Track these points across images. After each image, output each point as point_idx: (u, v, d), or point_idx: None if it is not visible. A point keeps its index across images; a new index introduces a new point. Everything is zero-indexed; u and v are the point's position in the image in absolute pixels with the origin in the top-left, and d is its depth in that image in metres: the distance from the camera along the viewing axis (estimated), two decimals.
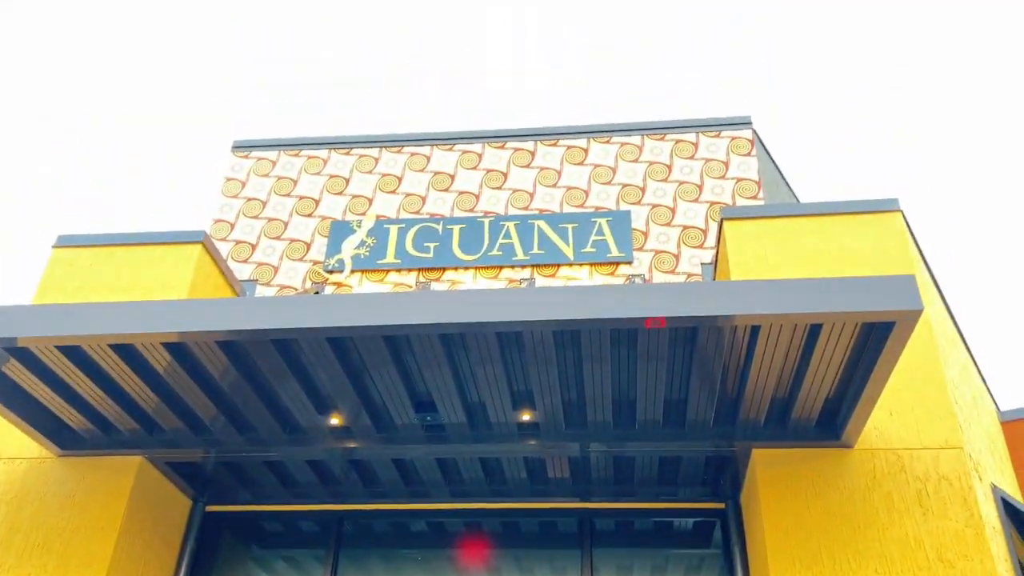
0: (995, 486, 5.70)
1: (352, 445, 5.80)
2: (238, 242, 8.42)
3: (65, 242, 6.93)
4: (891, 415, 5.43)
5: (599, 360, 4.95)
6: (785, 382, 5.04)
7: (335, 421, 5.65)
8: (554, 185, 8.49)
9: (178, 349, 5.01)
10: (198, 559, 6.51)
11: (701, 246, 7.81)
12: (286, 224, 8.52)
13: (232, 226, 8.56)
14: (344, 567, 6.62)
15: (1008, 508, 5.63)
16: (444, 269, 7.92)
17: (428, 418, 5.60)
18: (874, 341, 4.52)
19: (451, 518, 6.83)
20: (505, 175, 8.63)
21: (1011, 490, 6.62)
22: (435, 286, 7.82)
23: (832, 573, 5.03)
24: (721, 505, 6.28)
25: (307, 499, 6.68)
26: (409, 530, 6.89)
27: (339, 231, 8.26)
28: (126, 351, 5.01)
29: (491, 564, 6.73)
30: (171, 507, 6.32)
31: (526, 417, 5.60)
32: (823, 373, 4.83)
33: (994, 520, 5.36)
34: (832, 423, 5.34)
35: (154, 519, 6.06)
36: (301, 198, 8.73)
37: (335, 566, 6.53)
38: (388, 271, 7.98)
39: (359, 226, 8.26)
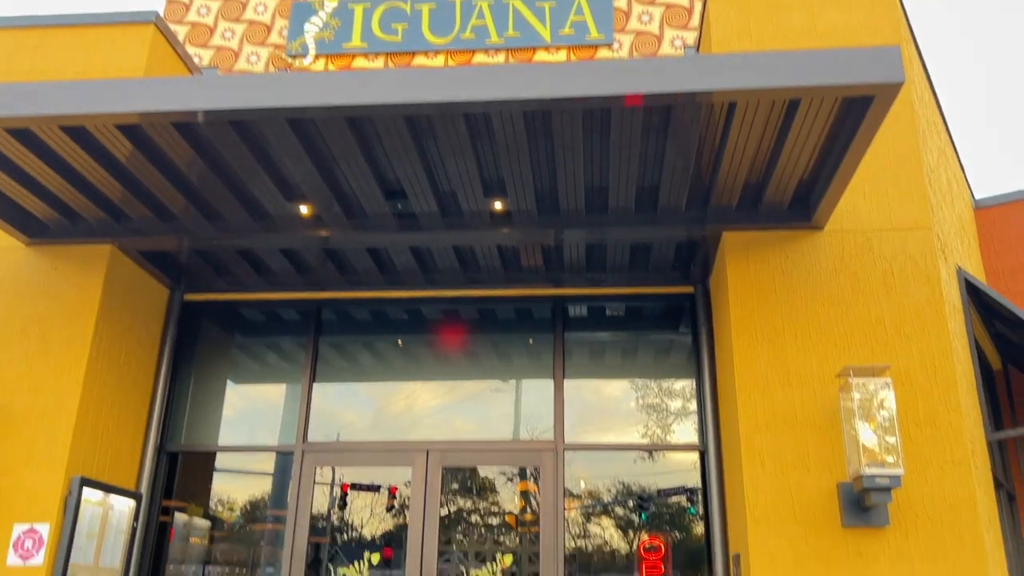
0: (960, 268, 5.81)
1: (324, 233, 5.76)
2: (195, 24, 7.93)
3: (8, 23, 6.48)
4: (864, 197, 5.41)
5: (571, 148, 4.82)
6: (760, 164, 4.95)
7: (305, 209, 5.58)
8: None
9: (135, 134, 4.82)
10: (181, 345, 6.68)
11: (685, 26, 7.42)
12: (244, 4, 7.99)
13: (187, 7, 8.02)
14: (324, 353, 6.83)
15: (970, 288, 5.76)
16: (413, 54, 7.54)
17: (399, 206, 5.53)
18: (853, 118, 4.39)
19: (428, 306, 6.96)
20: None
21: (977, 274, 6.77)
22: None
23: (794, 349, 5.22)
24: (690, 289, 6.40)
25: (285, 288, 6.76)
26: (387, 318, 7.04)
27: (300, 12, 7.77)
28: (81, 135, 4.81)
29: (467, 350, 6.96)
30: (148, 295, 6.39)
31: (498, 205, 5.54)
32: (798, 152, 4.73)
33: (955, 299, 5.50)
34: (804, 205, 5.32)
35: (132, 306, 6.14)
36: None
37: (315, 352, 6.73)
38: (354, 56, 7.60)
39: (322, 6, 7.76)
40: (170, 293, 6.68)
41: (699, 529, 6.13)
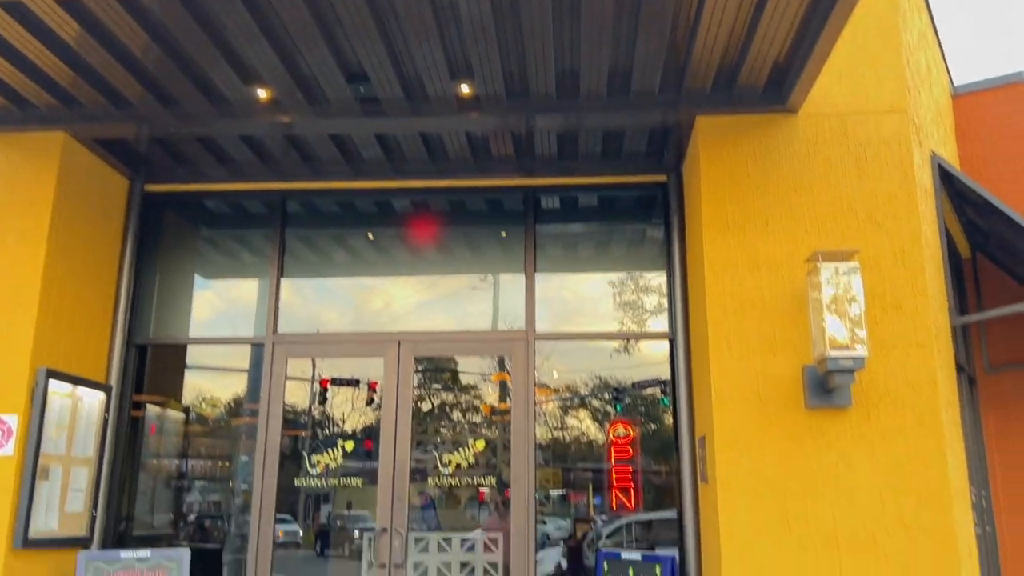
0: (934, 153, 5.74)
1: (285, 119, 5.57)
2: None
3: None
4: (840, 79, 5.27)
5: (541, 29, 4.62)
6: (735, 43, 4.78)
7: (263, 93, 5.36)
8: None
9: (80, 12, 4.53)
10: (144, 237, 6.53)
11: None
12: None
13: None
14: (292, 246, 6.72)
15: (943, 174, 5.71)
16: None
17: (361, 89, 5.32)
18: None
19: (397, 197, 6.83)
20: None
21: (952, 160, 6.71)
22: None
23: (765, 235, 5.18)
24: (663, 178, 6.30)
25: (249, 178, 6.57)
26: (355, 210, 6.91)
27: None
28: (23, 14, 4.52)
29: (439, 242, 6.87)
30: (107, 186, 6.20)
31: (465, 89, 5.35)
32: (774, 30, 4.56)
33: (927, 184, 5.45)
34: (779, 87, 5.18)
35: (90, 197, 5.96)
36: None
37: (283, 245, 6.61)
38: None
39: None
40: (130, 184, 6.48)
41: (670, 418, 6.24)
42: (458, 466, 6.21)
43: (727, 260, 5.19)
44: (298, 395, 6.67)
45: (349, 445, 6.35)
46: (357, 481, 6.28)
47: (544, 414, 6.54)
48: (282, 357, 6.30)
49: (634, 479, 6.15)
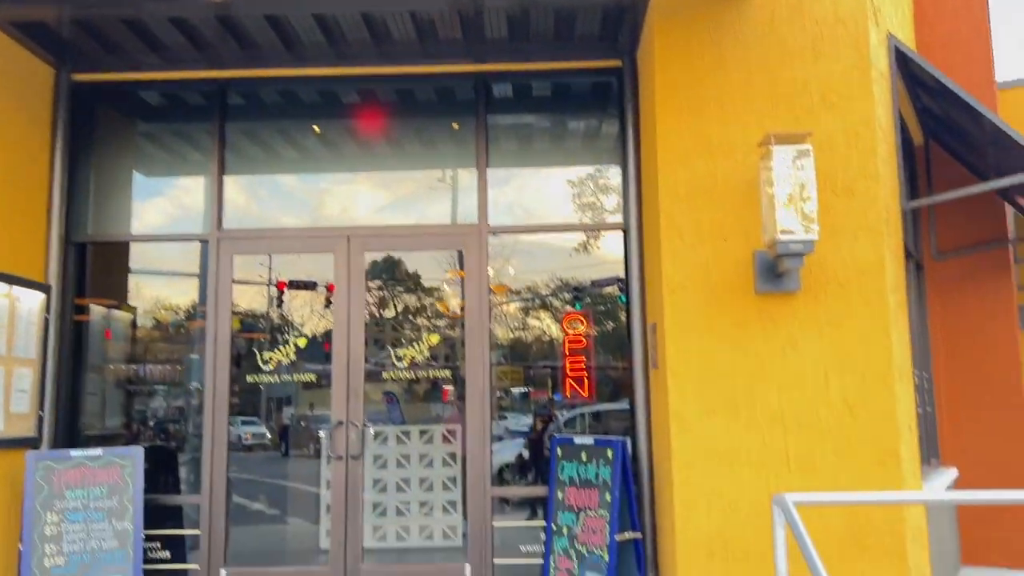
0: (891, 35, 5.62)
1: None
2: None
3: None
4: None
5: None
6: None
7: None
8: None
9: None
10: (76, 131, 6.21)
11: None
12: None
13: None
14: (234, 139, 6.45)
15: (899, 57, 5.62)
16: None
17: None
18: None
19: (341, 86, 6.55)
20: None
21: (909, 45, 6.60)
22: None
23: (718, 119, 5.08)
24: (617, 63, 6.11)
25: (184, 66, 6.23)
26: (298, 100, 6.62)
27: None
28: None
29: (388, 135, 6.65)
30: (30, 75, 5.84)
31: None
32: None
33: (883, 66, 5.36)
34: None
35: (10, 86, 5.61)
36: None
37: (223, 137, 6.34)
38: None
39: None
40: (56, 73, 6.11)
41: (625, 315, 6.25)
42: (413, 360, 6.20)
43: (680, 146, 5.09)
44: (256, 300, 6.55)
45: (302, 341, 6.29)
46: (311, 377, 6.25)
47: (504, 315, 6.52)
48: (228, 254, 6.13)
49: (588, 370, 6.20)
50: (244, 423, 6.81)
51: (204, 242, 6.21)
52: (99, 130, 6.44)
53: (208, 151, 6.34)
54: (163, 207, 6.59)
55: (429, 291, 6.67)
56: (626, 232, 6.07)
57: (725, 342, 4.92)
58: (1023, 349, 7.10)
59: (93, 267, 6.36)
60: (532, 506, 6.15)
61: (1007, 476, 6.73)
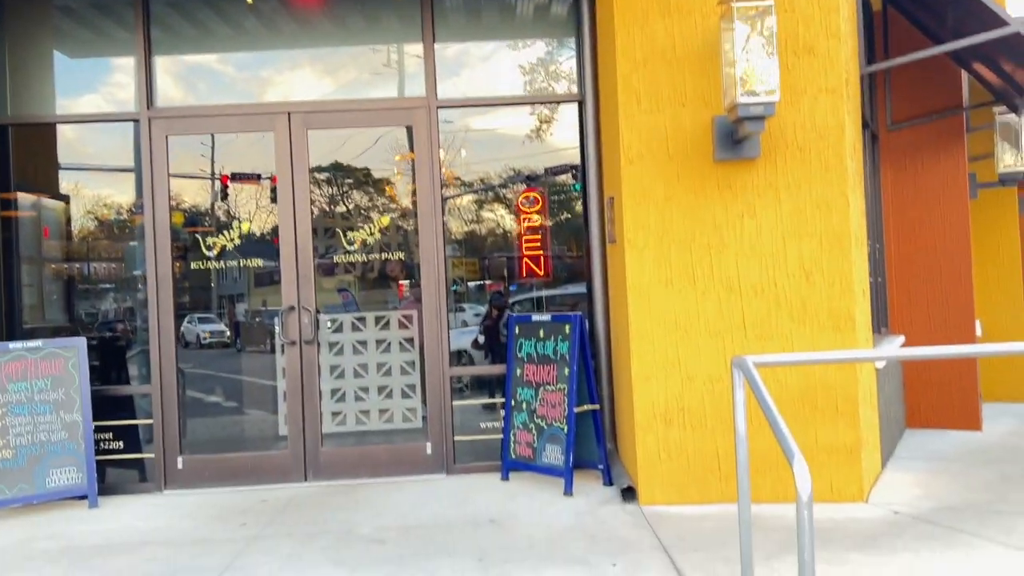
0: None
1: None
2: None
3: None
4: None
5: None
6: None
7: None
8: None
9: None
10: None
11: None
12: None
13: None
14: (159, 14, 5.98)
15: None
16: None
17: None
18: None
19: None
20: None
21: None
22: None
23: None
24: None
25: None
26: None
27: None
28: None
29: (328, 8, 6.23)
30: None
31: None
32: None
33: None
34: None
35: None
36: None
37: (147, 12, 5.87)
38: None
39: None
40: None
41: (580, 205, 6.10)
42: (364, 243, 6.01)
43: (638, 6, 4.84)
44: (199, 194, 6.24)
45: (246, 226, 6.05)
46: (258, 263, 6.04)
47: (456, 208, 6.32)
48: (161, 134, 5.79)
49: (544, 249, 6.09)
50: (201, 321, 6.64)
51: (135, 122, 5.83)
52: (10, 3, 5.91)
53: (132, 27, 5.87)
54: (89, 88, 6.16)
55: (378, 174, 6.42)
56: (581, 103, 5.86)
57: (683, 212, 4.83)
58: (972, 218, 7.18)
59: (17, 154, 5.97)
60: (489, 388, 6.15)
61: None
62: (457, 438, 5.82)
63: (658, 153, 4.84)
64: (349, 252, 6.00)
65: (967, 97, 7.25)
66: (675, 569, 3.74)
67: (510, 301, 6.42)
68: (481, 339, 6.48)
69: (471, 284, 6.57)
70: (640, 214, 4.84)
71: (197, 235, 5.99)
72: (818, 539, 4.02)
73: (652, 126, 4.84)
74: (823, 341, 4.76)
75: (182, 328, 6.13)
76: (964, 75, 7.11)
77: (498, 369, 5.94)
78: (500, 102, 6.08)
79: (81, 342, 5.39)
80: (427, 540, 4.32)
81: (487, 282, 6.51)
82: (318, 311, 5.83)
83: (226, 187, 6.26)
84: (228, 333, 6.69)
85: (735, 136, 4.72)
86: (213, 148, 6.25)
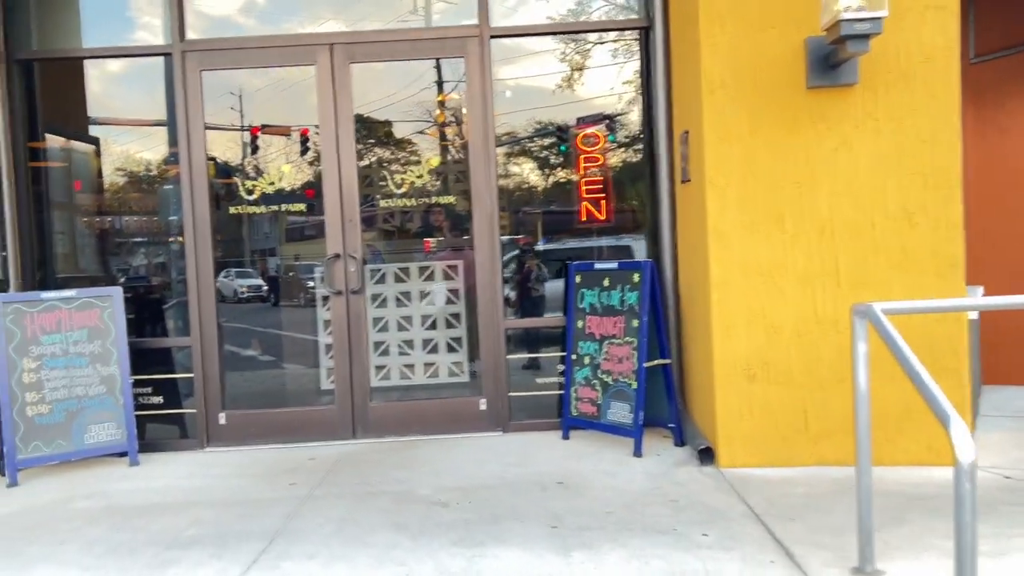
0: None
1: None
2: None
3: None
4: None
5: None
6: None
7: None
8: None
9: None
10: None
11: None
12: None
13: None
14: None
15: None
16: None
17: None
18: None
19: None
20: None
21: None
22: None
23: None
24: None
25: None
26: None
27: None
28: None
29: None
30: None
31: None
32: None
33: None
34: None
35: None
36: None
37: None
38: None
39: None
40: None
41: (642, 151, 5.61)
42: (412, 186, 5.61)
43: None
44: (228, 147, 5.83)
45: (287, 168, 5.65)
46: (301, 207, 5.66)
47: (505, 158, 5.82)
48: (195, 68, 5.39)
49: (606, 188, 5.63)
50: (239, 275, 6.30)
51: (167, 56, 5.43)
52: None
53: None
54: (118, 20, 5.73)
55: (426, 113, 5.97)
56: (648, 30, 5.36)
57: (771, 148, 4.36)
58: None
59: (45, 92, 5.60)
60: (535, 343, 5.74)
61: None
62: (513, 394, 5.47)
63: (743, 81, 4.35)
64: (396, 196, 5.60)
65: None
66: (775, 540, 3.37)
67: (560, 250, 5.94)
68: (512, 295, 5.98)
69: (525, 230, 6.08)
70: (722, 149, 4.38)
71: (232, 187, 5.61)
72: (929, 508, 3.63)
73: (737, 51, 4.35)
74: (925, 289, 4.31)
75: (218, 283, 5.80)
76: None
77: (555, 320, 5.55)
78: (558, 30, 5.57)
79: (117, 291, 5.07)
80: (492, 503, 3.98)
81: (540, 229, 6.02)
82: (365, 260, 5.46)
83: (256, 138, 5.85)
84: (266, 287, 6.34)
85: (831, 60, 4.21)
86: (241, 98, 5.82)
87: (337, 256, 5.40)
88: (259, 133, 5.83)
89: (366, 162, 5.65)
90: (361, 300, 5.44)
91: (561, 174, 5.85)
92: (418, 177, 5.58)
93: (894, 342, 2.68)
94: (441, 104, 5.73)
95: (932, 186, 4.30)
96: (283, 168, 5.64)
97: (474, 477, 4.45)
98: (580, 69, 5.69)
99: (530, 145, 5.88)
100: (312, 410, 5.55)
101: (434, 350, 5.69)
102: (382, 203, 5.63)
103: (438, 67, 5.64)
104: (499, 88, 5.51)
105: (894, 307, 2.90)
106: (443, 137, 5.86)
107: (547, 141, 5.87)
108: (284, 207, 5.65)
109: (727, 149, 4.38)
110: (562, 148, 5.72)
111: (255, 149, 5.84)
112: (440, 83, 5.72)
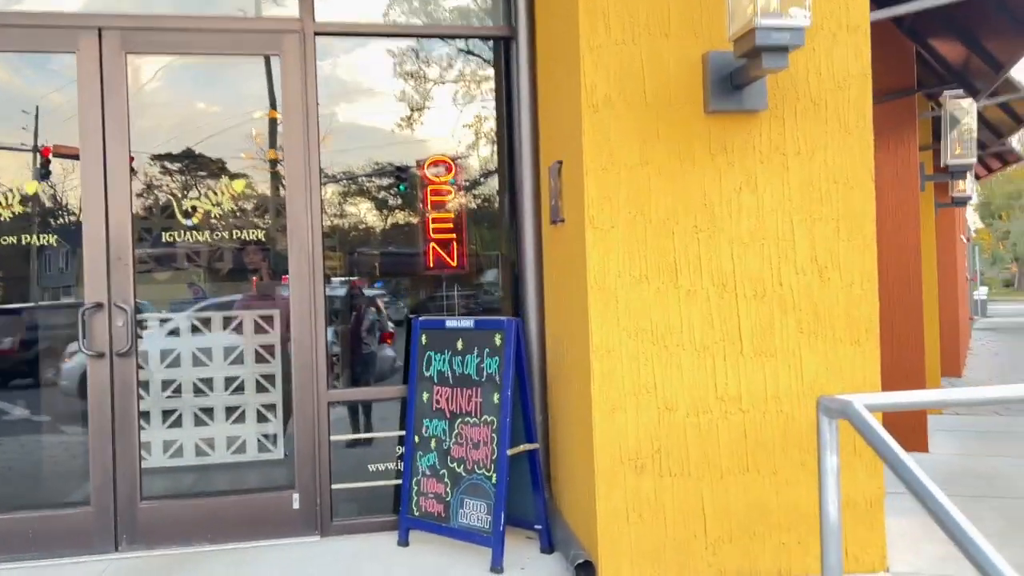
0: None
1: None
2: None
3: None
4: None
5: None
6: None
7: None
8: None
9: None
10: None
11: None
12: None
13: None
14: None
15: None
16: None
17: None
18: None
19: None
20: None
21: None
22: None
23: None
24: None
25: None
26: None
27: None
28: None
29: None
30: None
31: None
32: None
33: None
34: None
35: None
36: None
37: None
38: None
39: None
40: None
41: (496, 184, 4.69)
42: (208, 216, 4.35)
43: None
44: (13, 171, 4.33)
45: (33, 187, 4.23)
46: (52, 239, 4.24)
47: (330, 201, 4.65)
48: None
49: (457, 231, 4.62)
50: None
51: None
52: None
53: None
54: None
55: (233, 121, 4.73)
56: (510, 40, 4.46)
57: (664, 182, 3.53)
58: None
59: None
60: (366, 417, 4.61)
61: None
62: (336, 486, 4.28)
63: (633, 100, 3.51)
64: (186, 228, 4.32)
65: (917, 76, 6.42)
66: None
67: (409, 302, 4.87)
68: (340, 353, 4.84)
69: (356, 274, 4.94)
70: (607, 183, 3.50)
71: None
72: None
73: (625, 61, 3.51)
74: (839, 360, 3.60)
75: None
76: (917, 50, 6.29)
77: (394, 391, 4.44)
78: (399, 32, 4.55)
79: None
80: None
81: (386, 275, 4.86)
82: (138, 309, 4.14)
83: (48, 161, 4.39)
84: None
85: (737, 79, 3.46)
86: None
87: (99, 305, 4.03)
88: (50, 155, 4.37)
89: (146, 183, 4.32)
90: (130, 364, 4.09)
91: (401, 214, 4.78)
92: (215, 204, 4.32)
93: (891, 452, 1.82)
94: (249, 115, 4.52)
95: (845, 235, 3.62)
96: (27, 188, 4.21)
97: None
98: (427, 84, 4.68)
99: (364, 178, 4.77)
100: (60, 515, 4.09)
101: (240, 420, 4.41)
102: (166, 237, 4.32)
103: (255, 67, 4.44)
104: (325, 98, 4.40)
105: (878, 401, 2.06)
106: (254, 156, 4.64)
107: (384, 180, 4.77)
108: (32, 239, 4.21)
109: (613, 181, 3.50)
110: (401, 188, 4.67)
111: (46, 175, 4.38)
112: (247, 87, 4.53)
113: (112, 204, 4.08)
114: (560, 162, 3.90)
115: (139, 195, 4.22)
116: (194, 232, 4.33)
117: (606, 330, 3.48)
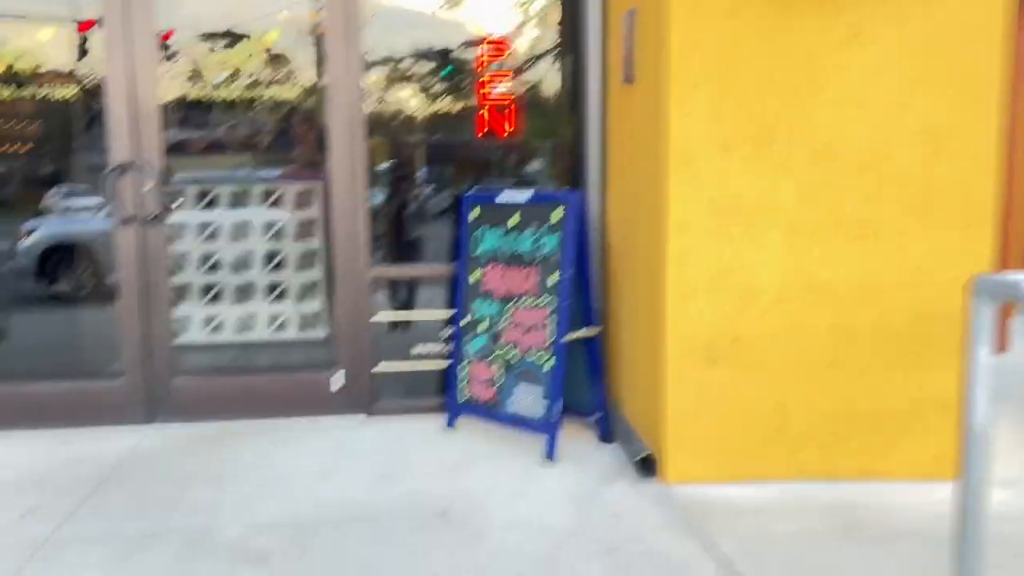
0: None
1: None
2: None
3: None
4: None
5: None
6: None
7: None
8: None
9: None
10: None
11: None
12: None
13: None
14: None
15: None
16: None
17: None
18: None
19: None
20: None
21: None
22: None
23: None
24: None
25: None
26: None
27: None
28: None
29: None
30: None
31: None
32: None
33: None
34: None
35: None
36: None
37: None
38: None
39: None
40: None
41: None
42: (238, 72, 3.95)
43: None
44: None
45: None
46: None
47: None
48: None
49: (512, 94, 4.15)
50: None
51: None
52: None
53: None
54: None
55: None
56: None
57: (755, 37, 3.02)
58: None
59: None
60: (411, 294, 4.29)
61: None
62: (379, 367, 4.03)
63: None
64: (215, 84, 3.94)
65: None
66: None
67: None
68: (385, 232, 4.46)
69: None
70: (693, 31, 3.00)
71: None
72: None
73: None
74: (949, 245, 3.15)
75: None
76: None
77: (440, 270, 4.11)
78: None
79: None
80: (339, 559, 2.58)
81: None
82: (169, 173, 3.82)
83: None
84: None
85: None
86: None
87: (124, 166, 3.72)
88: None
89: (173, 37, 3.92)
90: (159, 232, 3.81)
91: (453, 81, 4.30)
92: (247, 56, 3.91)
93: None
94: None
95: (968, 100, 3.10)
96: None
97: (316, 501, 3.02)
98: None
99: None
100: (96, 386, 3.92)
101: (280, 298, 4.15)
102: (193, 94, 3.95)
103: None
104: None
105: None
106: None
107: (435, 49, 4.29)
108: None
109: (699, 31, 3.01)
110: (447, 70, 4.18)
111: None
112: None
113: (138, 46, 3.70)
114: (634, 10, 3.39)
115: (163, 42, 3.82)
116: (222, 88, 3.94)
117: (684, 205, 3.06)
